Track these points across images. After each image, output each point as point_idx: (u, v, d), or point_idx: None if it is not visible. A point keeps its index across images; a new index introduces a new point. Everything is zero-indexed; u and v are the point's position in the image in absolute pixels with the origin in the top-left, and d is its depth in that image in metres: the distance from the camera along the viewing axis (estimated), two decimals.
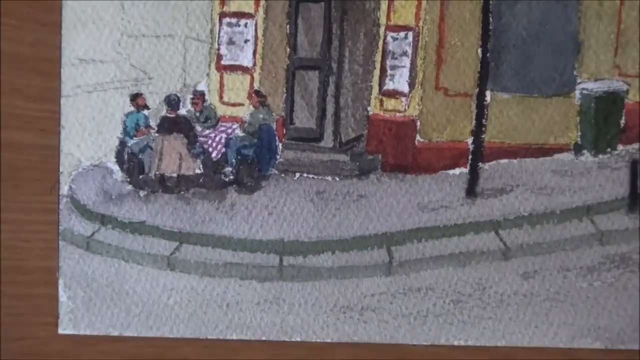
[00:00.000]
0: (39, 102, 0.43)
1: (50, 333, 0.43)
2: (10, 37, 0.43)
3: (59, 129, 0.42)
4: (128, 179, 0.42)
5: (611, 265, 0.42)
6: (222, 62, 0.42)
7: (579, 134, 0.42)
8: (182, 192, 0.42)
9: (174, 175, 0.42)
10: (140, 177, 0.42)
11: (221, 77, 0.42)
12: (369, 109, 0.42)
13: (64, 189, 0.42)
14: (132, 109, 0.42)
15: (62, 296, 0.42)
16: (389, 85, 0.42)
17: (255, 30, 0.42)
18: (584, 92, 0.42)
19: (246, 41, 0.42)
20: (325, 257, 0.42)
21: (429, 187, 0.42)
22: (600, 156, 0.42)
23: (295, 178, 0.42)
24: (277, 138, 0.42)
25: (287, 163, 0.42)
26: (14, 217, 0.43)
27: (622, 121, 0.42)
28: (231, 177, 0.42)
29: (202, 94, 0.42)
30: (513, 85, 0.42)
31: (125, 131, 0.42)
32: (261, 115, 0.42)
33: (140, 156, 0.42)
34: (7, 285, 0.43)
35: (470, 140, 0.42)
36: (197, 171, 0.42)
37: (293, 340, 0.42)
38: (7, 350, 0.44)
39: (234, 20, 0.42)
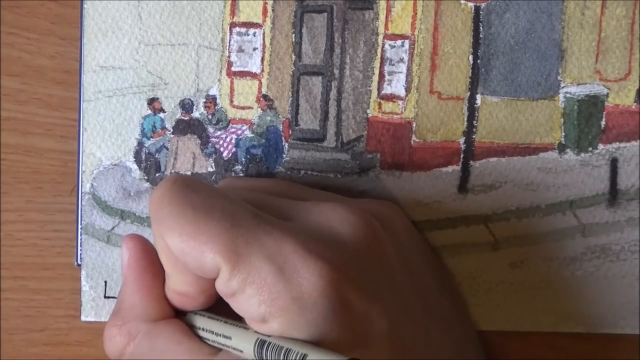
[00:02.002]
0: (59, 110, 0.43)
1: (70, 324, 0.44)
2: (32, 51, 0.43)
3: (78, 135, 0.42)
4: (146, 177, 0.43)
5: (592, 255, 0.43)
6: (233, 69, 0.42)
7: (563, 134, 0.43)
8: None
9: (188, 173, 0.43)
10: (157, 175, 0.43)
11: (231, 83, 0.42)
12: (368, 111, 0.43)
13: (86, 187, 0.42)
14: (149, 112, 0.42)
15: (85, 286, 0.43)
16: (387, 90, 0.42)
17: (263, 39, 0.42)
18: (568, 95, 0.42)
19: (255, 49, 0.42)
20: None
21: (424, 183, 0.43)
22: (583, 155, 0.43)
23: (300, 175, 0.43)
24: (283, 138, 0.43)
25: (292, 161, 0.43)
26: (36, 217, 0.44)
27: (603, 122, 0.43)
28: (241, 174, 0.43)
29: (214, 98, 0.42)
30: (502, 89, 0.42)
31: (143, 133, 0.42)
32: (269, 118, 0.43)
33: (156, 156, 0.43)
34: (30, 280, 0.44)
35: (462, 140, 0.43)
36: (210, 169, 0.43)
37: None
38: (29, 340, 0.44)
39: (243, 30, 0.42)
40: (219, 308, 0.36)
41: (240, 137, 0.43)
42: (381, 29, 0.43)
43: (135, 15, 0.42)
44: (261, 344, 0.32)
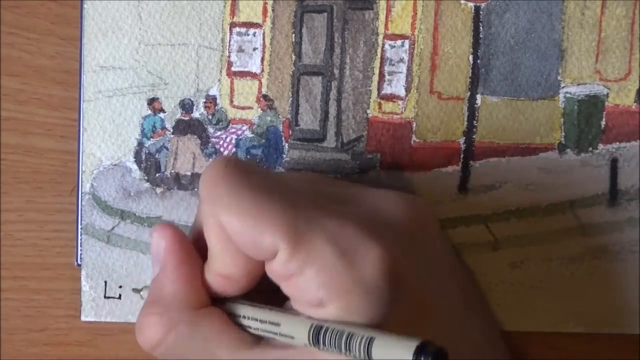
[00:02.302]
0: (59, 110, 0.43)
1: (70, 324, 0.44)
2: (32, 51, 0.43)
3: (78, 135, 0.42)
4: (146, 177, 0.43)
5: (592, 255, 0.43)
6: (233, 69, 0.42)
7: (563, 134, 0.43)
8: (196, 189, 0.42)
9: (188, 173, 0.42)
10: (157, 175, 0.43)
11: (232, 83, 0.42)
12: (368, 111, 0.42)
13: (86, 187, 0.42)
14: (149, 112, 0.42)
15: (85, 286, 0.42)
16: (387, 90, 0.42)
17: (263, 39, 0.42)
18: (568, 95, 0.42)
19: (255, 49, 0.42)
20: None
21: (424, 183, 0.43)
22: (583, 155, 0.43)
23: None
24: (283, 139, 0.43)
25: (292, 162, 0.43)
26: (36, 217, 0.43)
27: (603, 122, 0.43)
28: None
29: (214, 98, 0.42)
30: (502, 89, 0.42)
31: (143, 133, 0.42)
32: (269, 118, 0.42)
33: (156, 156, 0.43)
34: (30, 280, 0.44)
35: (462, 140, 0.43)
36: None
37: None
38: (29, 340, 0.44)
39: (243, 30, 0.42)
40: (253, 299, 0.35)
41: (240, 137, 0.43)
42: (381, 29, 0.42)
43: (135, 15, 0.42)
44: (317, 329, 0.31)
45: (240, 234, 0.33)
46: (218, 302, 0.36)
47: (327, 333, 0.31)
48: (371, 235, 0.32)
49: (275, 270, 0.33)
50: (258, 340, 0.34)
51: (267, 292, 0.34)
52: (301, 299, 0.33)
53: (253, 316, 0.34)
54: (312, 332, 0.31)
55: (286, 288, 0.33)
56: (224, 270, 0.35)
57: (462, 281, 0.39)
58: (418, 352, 0.28)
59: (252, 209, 0.32)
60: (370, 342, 0.29)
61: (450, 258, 0.39)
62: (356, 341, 0.30)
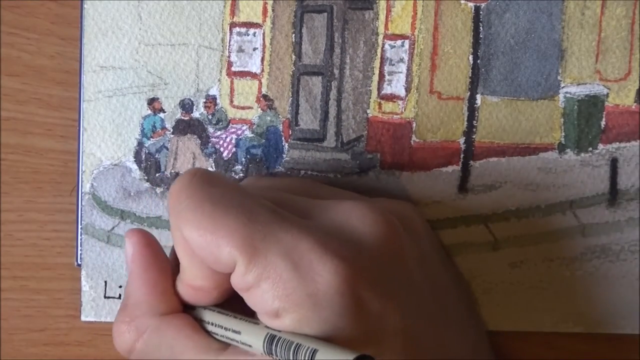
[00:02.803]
0: (59, 110, 0.43)
1: (70, 324, 0.44)
2: (32, 51, 0.43)
3: (78, 135, 0.42)
4: (146, 177, 0.43)
5: (592, 255, 0.43)
6: (233, 69, 0.42)
7: (563, 134, 0.43)
8: None
9: None
10: (157, 175, 0.43)
11: (231, 83, 0.42)
12: (368, 111, 0.42)
13: (86, 187, 0.42)
14: (149, 112, 0.42)
15: (85, 286, 0.42)
16: (387, 90, 0.42)
17: (263, 39, 0.42)
18: (568, 95, 0.42)
19: (255, 49, 0.42)
20: None
21: (424, 183, 0.43)
22: (583, 155, 0.43)
23: (301, 175, 0.43)
24: (283, 138, 0.43)
25: (292, 161, 0.43)
26: (36, 217, 0.43)
27: (603, 122, 0.43)
28: (241, 174, 0.43)
29: (214, 98, 0.42)
30: (502, 89, 0.42)
31: (143, 133, 0.42)
32: (269, 118, 0.42)
33: (156, 156, 0.43)
34: (30, 280, 0.44)
35: (462, 140, 0.43)
36: (210, 169, 0.42)
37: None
38: (29, 340, 0.44)
39: (243, 30, 0.42)
40: (230, 305, 0.36)
41: (240, 137, 0.43)
42: (381, 29, 0.42)
43: (135, 15, 0.42)
44: (271, 339, 0.32)
45: (200, 248, 0.33)
46: (189, 308, 0.37)
47: (279, 343, 0.32)
48: (327, 249, 0.33)
49: (235, 282, 0.34)
50: (225, 347, 0.35)
51: (243, 305, 0.35)
52: (260, 310, 0.33)
53: (218, 323, 0.35)
54: (266, 341, 0.32)
55: (246, 299, 0.34)
56: (193, 282, 0.36)
57: (446, 297, 0.39)
58: None
59: (211, 223, 0.33)
60: (313, 353, 0.31)
61: (430, 270, 0.39)
62: (302, 352, 0.31)
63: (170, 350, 0.35)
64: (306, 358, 0.31)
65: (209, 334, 0.36)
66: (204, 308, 0.36)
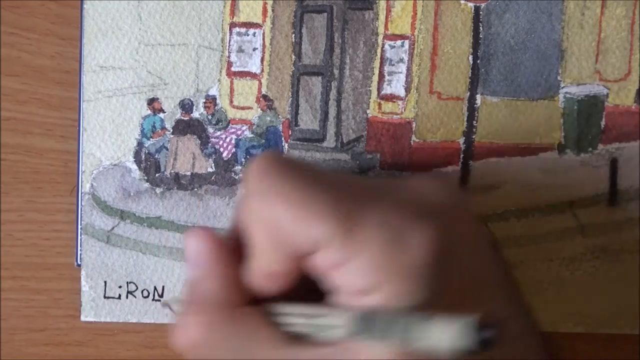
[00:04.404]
0: (59, 110, 0.43)
1: (70, 324, 0.44)
2: (32, 51, 0.43)
3: (78, 135, 0.42)
4: (145, 177, 0.42)
5: (592, 255, 0.43)
6: (232, 69, 0.42)
7: (563, 134, 0.42)
8: (196, 189, 0.42)
9: (188, 173, 0.42)
10: (157, 175, 0.42)
11: (231, 83, 0.42)
12: (368, 111, 0.42)
13: (86, 187, 0.42)
14: (149, 112, 0.42)
15: (85, 286, 0.42)
16: (387, 90, 0.42)
17: (263, 39, 0.42)
18: (567, 96, 0.42)
19: (254, 49, 0.42)
20: None
21: None
22: (582, 155, 0.43)
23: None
24: (283, 139, 0.43)
25: None
26: (36, 217, 0.43)
27: (603, 123, 0.42)
28: (241, 175, 0.42)
29: (214, 98, 0.42)
30: (502, 90, 0.42)
31: (143, 133, 0.42)
32: (268, 118, 0.42)
33: (156, 156, 0.42)
34: (30, 280, 0.44)
35: (461, 140, 0.42)
36: (210, 169, 0.42)
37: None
38: (29, 340, 0.44)
39: (243, 30, 0.42)
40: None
41: (240, 137, 0.43)
42: (381, 29, 0.42)
43: (135, 15, 0.42)
44: (367, 316, 0.30)
45: (291, 225, 0.32)
46: (254, 303, 0.36)
47: (376, 319, 0.30)
48: (420, 217, 0.32)
49: (323, 260, 0.32)
50: (296, 339, 0.34)
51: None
52: (348, 289, 0.32)
53: (295, 312, 0.34)
54: (360, 319, 0.31)
55: (333, 279, 0.33)
56: (266, 267, 0.34)
57: (500, 266, 0.39)
58: (479, 329, 0.28)
59: (302, 198, 0.32)
60: (425, 324, 0.29)
61: (487, 242, 0.38)
62: (410, 325, 0.29)
63: (241, 343, 0.34)
64: (417, 332, 0.29)
65: (280, 326, 0.34)
66: (273, 301, 0.35)
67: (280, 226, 0.32)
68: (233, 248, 0.36)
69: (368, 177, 0.39)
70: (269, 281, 0.35)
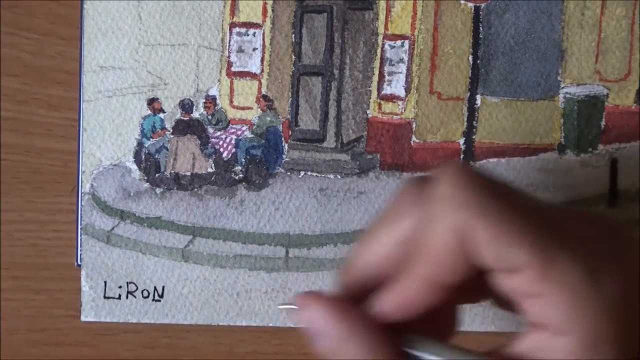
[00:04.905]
0: (59, 110, 0.43)
1: (71, 324, 0.44)
2: (32, 51, 0.43)
3: (78, 135, 0.42)
4: (145, 177, 0.42)
5: None
6: (232, 69, 0.42)
7: (563, 134, 0.42)
8: (196, 190, 0.42)
9: (188, 173, 0.42)
10: (157, 175, 0.42)
11: (231, 83, 0.42)
12: (368, 112, 0.42)
13: (86, 187, 0.42)
14: (149, 112, 0.42)
15: (85, 286, 0.42)
16: (387, 90, 0.42)
17: (263, 39, 0.42)
18: (567, 96, 0.42)
19: (254, 49, 0.42)
20: (328, 249, 0.43)
21: None
22: (583, 155, 0.43)
23: (300, 176, 0.43)
24: (283, 139, 0.43)
25: (292, 162, 0.42)
26: (36, 217, 0.43)
27: (603, 123, 0.42)
28: (241, 175, 0.42)
29: (214, 98, 0.42)
30: (502, 90, 0.42)
31: (143, 133, 0.42)
32: (268, 118, 0.42)
33: (156, 156, 0.42)
34: (30, 281, 0.43)
35: (462, 140, 0.42)
36: (209, 170, 0.42)
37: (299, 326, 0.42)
38: (29, 340, 0.44)
39: (243, 30, 0.42)
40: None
41: (240, 137, 0.43)
42: (381, 29, 0.42)
43: (135, 15, 0.42)
44: None
45: (486, 242, 0.29)
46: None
47: None
48: (611, 254, 0.30)
49: (517, 286, 0.30)
50: None
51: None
52: (543, 322, 0.30)
53: (438, 351, 0.31)
54: None
55: (528, 307, 0.30)
56: (434, 276, 0.31)
57: None
58: None
59: (504, 218, 0.29)
60: None
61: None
62: None
63: None
64: None
65: None
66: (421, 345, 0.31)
67: (471, 237, 0.29)
68: (354, 294, 0.32)
69: (557, 205, 0.37)
70: (422, 295, 0.31)
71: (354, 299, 0.32)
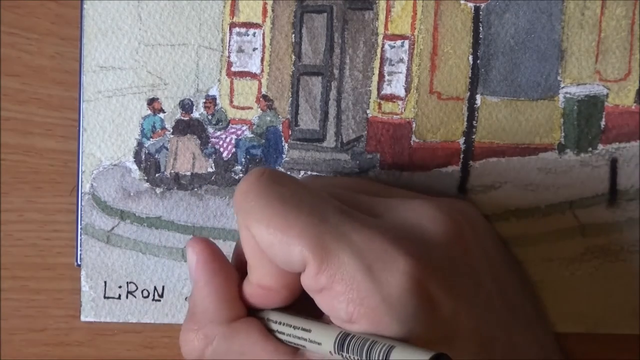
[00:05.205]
0: (59, 110, 0.43)
1: (70, 324, 0.44)
2: (32, 51, 0.43)
3: (78, 135, 0.42)
4: (145, 177, 0.42)
5: (592, 255, 0.42)
6: (232, 69, 0.42)
7: (563, 134, 0.42)
8: (196, 189, 0.42)
9: (188, 173, 0.42)
10: (157, 175, 0.42)
11: (231, 83, 0.42)
12: (368, 111, 0.42)
13: (86, 187, 0.42)
14: (149, 112, 0.42)
15: (85, 286, 0.42)
16: (387, 90, 0.42)
17: (263, 39, 0.42)
18: (567, 96, 0.42)
19: (254, 49, 0.42)
20: None
21: (424, 183, 0.42)
22: (582, 155, 0.42)
23: (300, 176, 0.42)
24: (283, 139, 0.43)
25: (292, 162, 0.42)
26: (36, 217, 0.43)
27: (603, 123, 0.42)
28: (241, 175, 0.42)
29: (214, 98, 0.42)
30: (502, 90, 0.42)
31: (143, 133, 0.42)
32: (268, 118, 0.42)
33: (156, 156, 0.42)
34: (30, 280, 0.44)
35: (461, 140, 0.42)
36: (209, 170, 0.42)
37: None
38: (29, 340, 0.44)
39: (243, 30, 0.42)
40: (297, 312, 0.35)
41: (240, 137, 0.43)
42: (381, 29, 0.42)
43: (135, 16, 0.42)
44: (343, 337, 0.32)
45: (270, 247, 0.33)
46: (256, 313, 0.36)
47: (352, 341, 0.31)
48: (398, 247, 0.32)
49: (306, 283, 0.33)
50: (294, 351, 0.34)
51: (308, 308, 0.34)
52: (332, 314, 0.33)
53: (286, 322, 0.35)
54: (338, 339, 0.32)
55: (318, 301, 0.33)
56: (261, 281, 0.35)
57: (514, 297, 0.38)
58: None
59: (281, 222, 0.32)
60: (389, 349, 0.30)
61: (499, 271, 0.38)
62: (377, 349, 0.30)
63: (240, 356, 0.35)
64: (381, 357, 0.30)
65: (276, 338, 0.35)
66: (270, 310, 0.36)
67: (261, 246, 0.33)
68: (238, 259, 0.36)
69: (368, 189, 0.38)
70: (266, 295, 0.35)
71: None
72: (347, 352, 0.31)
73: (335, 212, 0.33)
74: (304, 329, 0.33)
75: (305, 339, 0.33)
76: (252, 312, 0.36)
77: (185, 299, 0.43)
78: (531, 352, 0.38)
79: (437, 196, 0.40)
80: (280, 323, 0.35)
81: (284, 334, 0.35)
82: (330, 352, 0.32)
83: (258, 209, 0.33)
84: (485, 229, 0.39)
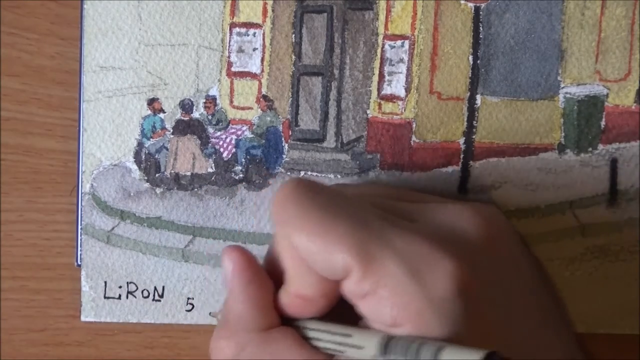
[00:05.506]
0: (59, 110, 0.43)
1: (70, 324, 0.44)
2: (32, 51, 0.43)
3: (78, 136, 0.42)
4: (145, 178, 0.42)
5: (592, 255, 0.43)
6: (232, 69, 0.42)
7: (563, 134, 0.42)
8: (196, 190, 0.42)
9: (188, 173, 0.42)
10: (157, 175, 0.42)
11: (231, 83, 0.42)
12: (368, 111, 0.42)
13: (86, 187, 0.42)
14: (149, 112, 0.42)
15: (85, 286, 0.42)
16: (387, 90, 0.42)
17: (263, 39, 0.42)
18: (567, 96, 0.42)
19: (254, 49, 0.42)
20: None
21: (424, 183, 0.43)
22: (582, 155, 0.42)
23: (300, 176, 0.43)
24: (283, 139, 0.43)
25: (292, 162, 0.42)
26: (36, 217, 0.43)
27: (603, 123, 0.42)
28: (241, 175, 0.42)
29: (214, 98, 0.42)
30: (502, 90, 0.42)
31: (143, 133, 0.42)
32: (268, 118, 0.42)
33: (156, 156, 0.42)
34: (30, 280, 0.44)
35: (461, 140, 0.42)
36: (210, 170, 0.42)
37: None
38: (29, 340, 0.44)
39: (243, 30, 0.42)
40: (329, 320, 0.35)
41: (240, 137, 0.43)
42: (381, 29, 0.42)
43: (135, 15, 0.42)
44: (388, 339, 0.31)
45: (311, 255, 0.33)
46: (288, 323, 0.36)
47: (397, 342, 0.31)
48: (441, 250, 0.32)
49: (350, 289, 0.33)
50: (329, 358, 0.34)
51: (338, 318, 0.34)
52: (376, 319, 0.33)
53: (324, 329, 0.34)
54: (382, 342, 0.31)
55: (361, 307, 0.33)
56: (300, 291, 0.35)
57: (542, 298, 0.38)
58: None
59: (322, 229, 0.32)
60: (440, 349, 0.29)
61: (528, 273, 0.38)
62: (426, 349, 0.30)
63: None
64: (430, 357, 0.29)
65: (312, 346, 0.35)
66: (306, 319, 0.36)
67: (303, 255, 0.33)
68: (273, 269, 0.36)
69: (402, 196, 0.38)
70: (304, 304, 0.35)
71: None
72: (393, 354, 0.31)
73: (375, 218, 0.33)
74: (343, 334, 0.33)
75: (345, 344, 0.33)
76: (285, 322, 0.36)
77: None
78: (559, 353, 0.38)
79: (457, 200, 0.40)
80: (317, 330, 0.35)
81: (321, 340, 0.34)
82: (373, 355, 0.31)
83: (297, 218, 0.33)
84: (513, 232, 0.39)
